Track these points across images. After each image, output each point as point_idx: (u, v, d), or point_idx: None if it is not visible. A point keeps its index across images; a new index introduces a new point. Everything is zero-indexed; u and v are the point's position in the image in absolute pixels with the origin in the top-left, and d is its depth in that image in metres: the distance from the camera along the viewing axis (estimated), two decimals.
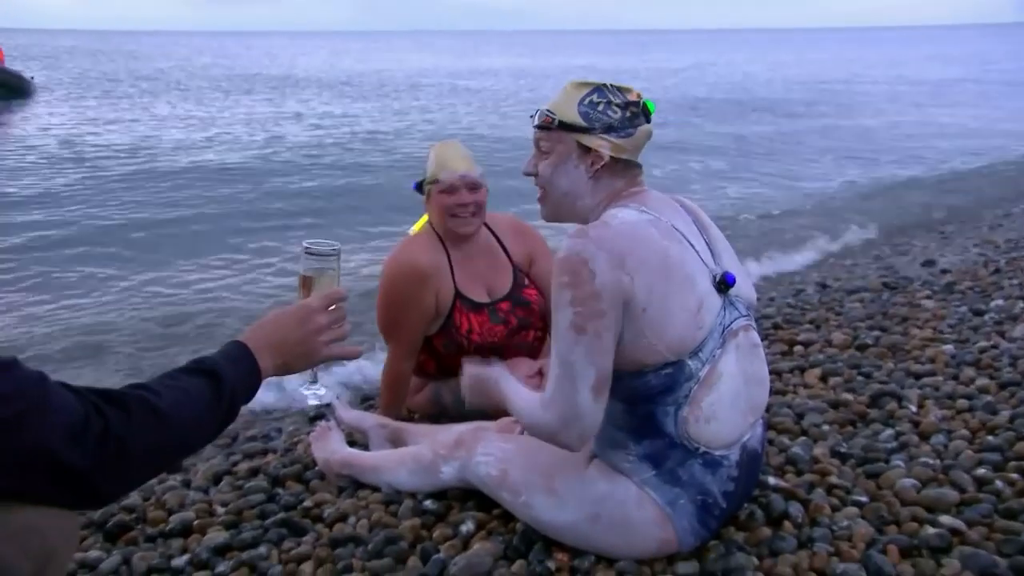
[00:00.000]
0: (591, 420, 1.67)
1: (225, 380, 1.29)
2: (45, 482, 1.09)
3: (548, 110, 1.83)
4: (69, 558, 1.29)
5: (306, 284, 1.50)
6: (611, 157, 1.79)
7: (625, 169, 1.82)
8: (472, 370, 1.96)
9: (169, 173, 9.04)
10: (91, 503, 1.20)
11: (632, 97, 1.81)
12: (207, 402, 1.26)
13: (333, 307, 1.44)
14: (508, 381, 1.86)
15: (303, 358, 1.41)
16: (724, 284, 1.76)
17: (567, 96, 1.82)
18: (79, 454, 1.09)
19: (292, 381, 2.66)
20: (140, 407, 1.18)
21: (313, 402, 1.60)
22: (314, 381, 1.61)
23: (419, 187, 2.61)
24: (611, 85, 1.82)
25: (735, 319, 1.79)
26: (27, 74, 20.59)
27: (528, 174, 1.89)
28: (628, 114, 1.79)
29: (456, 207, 2.50)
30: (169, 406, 1.20)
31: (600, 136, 1.78)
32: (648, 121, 1.82)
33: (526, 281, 2.71)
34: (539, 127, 1.84)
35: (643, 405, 1.73)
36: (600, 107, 1.79)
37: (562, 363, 1.67)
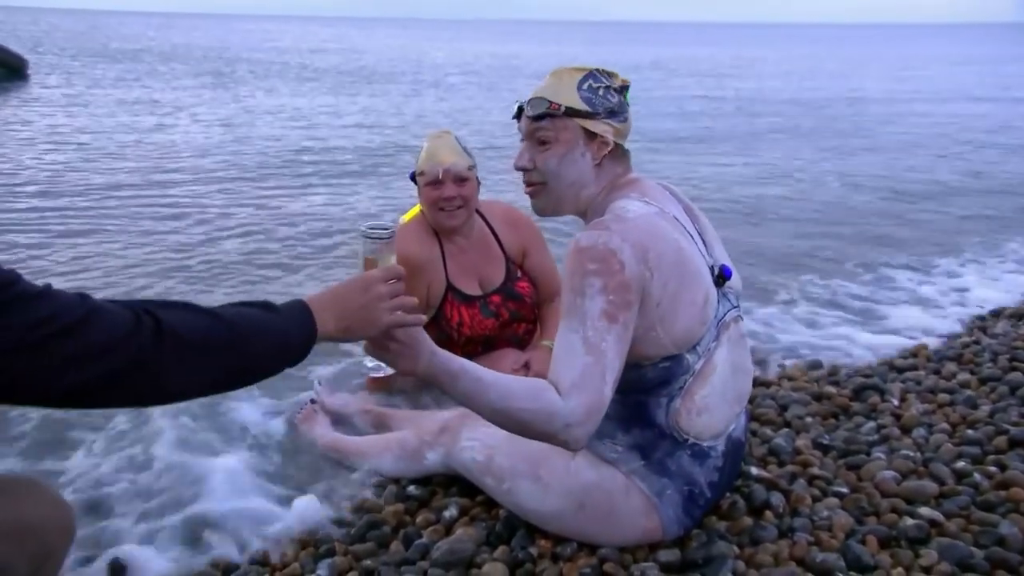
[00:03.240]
0: (602, 417, 1.55)
1: (281, 316, 1.32)
2: (114, 377, 1.11)
3: (547, 98, 1.74)
4: (65, 556, 1.30)
5: (369, 265, 1.57)
6: (614, 142, 1.75)
7: (622, 155, 1.79)
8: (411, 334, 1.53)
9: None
10: (161, 396, 1.21)
11: (619, 83, 1.77)
12: (262, 325, 1.28)
13: (393, 280, 1.49)
14: (453, 355, 1.59)
15: (366, 323, 1.44)
16: (722, 278, 1.75)
17: (562, 82, 1.75)
18: (137, 346, 1.12)
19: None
20: (191, 306, 1.22)
21: (377, 374, 1.63)
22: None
23: (414, 178, 2.60)
24: (601, 70, 1.77)
25: (728, 311, 1.79)
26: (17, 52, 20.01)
27: (523, 168, 1.79)
28: (622, 98, 1.76)
29: (441, 200, 2.48)
30: (221, 311, 1.25)
31: (604, 121, 1.74)
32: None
33: (519, 274, 2.70)
34: (540, 116, 1.74)
35: (635, 396, 1.71)
36: (600, 91, 1.74)
37: (592, 351, 1.54)
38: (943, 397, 2.65)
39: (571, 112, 1.72)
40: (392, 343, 1.51)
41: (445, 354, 1.57)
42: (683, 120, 12.08)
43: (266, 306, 1.33)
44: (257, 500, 2.20)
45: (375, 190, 6.80)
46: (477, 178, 2.54)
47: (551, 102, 1.73)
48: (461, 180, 2.48)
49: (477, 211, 2.63)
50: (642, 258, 1.59)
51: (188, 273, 4.39)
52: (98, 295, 1.16)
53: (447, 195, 2.47)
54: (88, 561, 1.91)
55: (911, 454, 2.24)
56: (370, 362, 1.60)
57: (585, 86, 1.73)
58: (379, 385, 2.66)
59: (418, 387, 2.72)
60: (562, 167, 1.75)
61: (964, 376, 2.84)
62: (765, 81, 20.45)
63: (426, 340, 1.55)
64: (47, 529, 1.24)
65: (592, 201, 1.78)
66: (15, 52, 18.98)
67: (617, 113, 1.75)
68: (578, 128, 1.73)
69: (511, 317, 2.62)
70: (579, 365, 1.53)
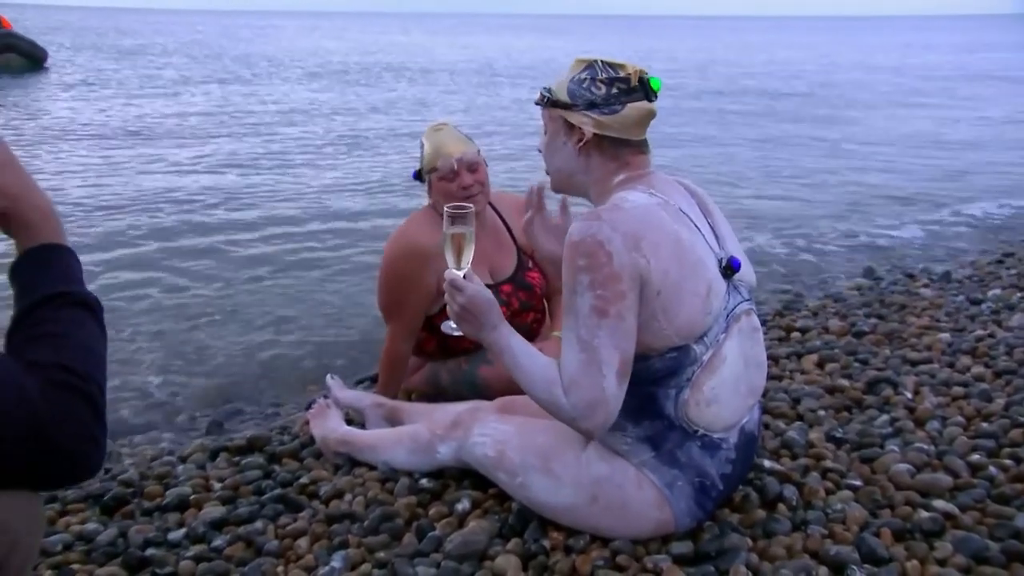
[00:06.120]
0: (615, 405, 1.63)
1: (95, 305, 1.21)
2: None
3: (545, 87, 1.83)
4: (35, 547, 1.22)
5: (456, 241, 1.72)
6: (595, 134, 1.76)
7: (614, 147, 1.78)
8: (468, 291, 1.71)
9: None
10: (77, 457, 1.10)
11: (623, 74, 1.76)
12: (99, 336, 1.19)
13: None
14: (512, 332, 1.75)
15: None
16: (730, 269, 1.76)
17: (563, 73, 1.81)
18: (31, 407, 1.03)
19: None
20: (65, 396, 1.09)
21: (454, 333, 1.81)
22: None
23: (418, 176, 2.60)
24: (602, 61, 1.78)
25: (738, 303, 1.79)
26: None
27: (540, 150, 1.90)
28: (614, 91, 1.74)
29: (460, 190, 2.49)
30: (86, 375, 1.12)
31: (582, 113, 1.76)
32: (648, 98, 1.76)
33: (530, 264, 2.70)
34: (536, 103, 1.85)
35: (644, 387, 1.72)
36: (585, 83, 1.76)
37: (585, 348, 1.62)
38: (957, 390, 2.64)
39: (552, 103, 1.80)
40: (459, 308, 1.70)
41: (506, 330, 1.74)
42: None
43: (83, 304, 1.19)
44: (268, 493, 2.21)
45: None
46: (485, 161, 2.56)
47: (542, 92, 1.83)
48: (474, 166, 2.49)
49: (488, 202, 2.63)
50: (635, 246, 1.62)
51: None
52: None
53: (465, 183, 2.48)
54: None
55: (925, 447, 2.23)
56: (453, 322, 1.76)
57: (575, 78, 1.78)
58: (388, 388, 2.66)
59: (429, 388, 2.73)
60: (548, 153, 1.85)
61: (979, 369, 2.82)
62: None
63: (492, 313, 1.72)
64: (10, 520, 1.14)
65: (590, 188, 1.83)
66: (37, 43, 18.94)
67: (599, 106, 1.75)
68: (560, 118, 1.80)
69: (521, 307, 2.62)
70: (574, 363, 1.64)
